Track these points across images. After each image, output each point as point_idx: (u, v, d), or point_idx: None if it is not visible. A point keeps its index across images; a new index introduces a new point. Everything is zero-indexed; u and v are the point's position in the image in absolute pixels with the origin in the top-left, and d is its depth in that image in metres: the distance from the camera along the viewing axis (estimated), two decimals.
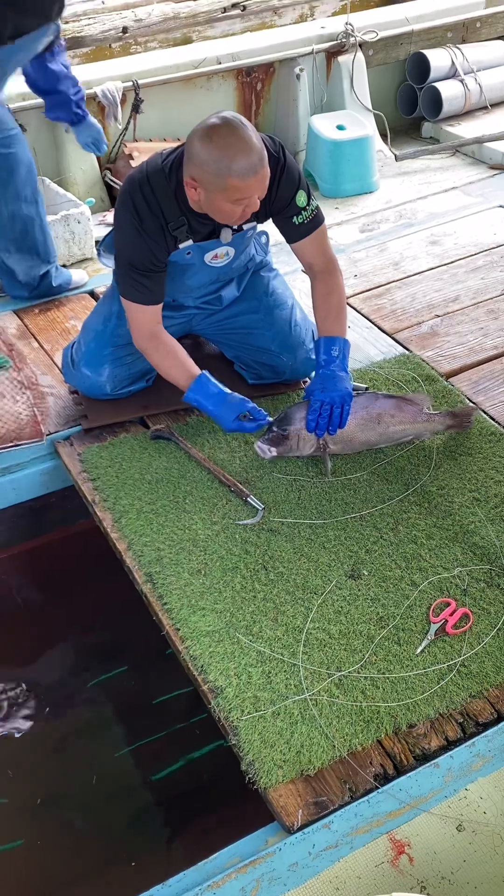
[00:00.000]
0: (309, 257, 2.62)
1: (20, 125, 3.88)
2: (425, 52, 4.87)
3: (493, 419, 2.80)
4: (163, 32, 5.31)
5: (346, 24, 4.61)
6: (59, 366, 3.06)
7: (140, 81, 4.17)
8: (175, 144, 2.44)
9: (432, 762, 1.89)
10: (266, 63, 4.55)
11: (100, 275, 3.68)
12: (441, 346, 3.15)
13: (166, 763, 2.49)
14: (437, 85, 4.84)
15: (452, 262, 3.68)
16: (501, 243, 3.79)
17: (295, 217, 2.51)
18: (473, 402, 2.87)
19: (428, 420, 2.67)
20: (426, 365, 3.03)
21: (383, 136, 4.76)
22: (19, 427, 2.81)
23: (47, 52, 3.05)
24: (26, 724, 2.62)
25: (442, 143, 4.81)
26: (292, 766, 1.87)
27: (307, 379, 2.93)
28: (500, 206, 4.13)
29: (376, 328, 3.28)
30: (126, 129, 4.26)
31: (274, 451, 2.58)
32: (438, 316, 3.32)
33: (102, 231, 3.91)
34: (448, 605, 2.20)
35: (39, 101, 3.93)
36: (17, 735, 2.60)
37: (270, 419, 2.59)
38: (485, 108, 5.02)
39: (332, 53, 4.66)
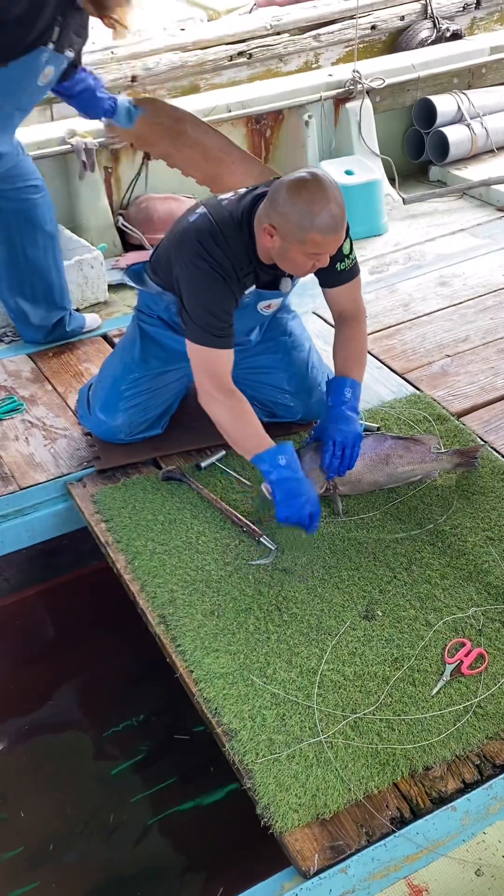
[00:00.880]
0: (341, 303, 2.65)
1: None
2: (432, 97, 4.95)
3: None
4: (171, 81, 5.43)
5: (354, 71, 4.69)
6: (73, 408, 3.08)
7: None
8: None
9: (449, 805, 1.87)
10: (275, 110, 4.63)
11: (113, 318, 3.73)
12: (452, 386, 3.17)
13: (180, 807, 2.46)
14: (444, 129, 4.91)
15: (462, 303, 3.70)
16: None
17: (339, 263, 2.54)
18: (485, 441, 2.88)
19: (436, 460, 2.68)
20: (437, 404, 3.04)
21: (391, 180, 4.82)
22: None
23: (64, 81, 3.06)
24: (39, 767, 2.61)
25: (449, 186, 4.86)
26: (308, 810, 1.85)
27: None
28: None
29: (387, 368, 3.30)
30: (138, 175, 4.33)
31: None
32: (448, 356, 3.34)
33: (115, 275, 3.96)
34: (463, 645, 2.19)
35: (55, 148, 4.04)
36: (26, 776, 2.58)
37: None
38: (491, 151, 5.08)
39: (340, 100, 4.75)
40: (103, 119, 3.37)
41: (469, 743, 1.98)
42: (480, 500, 2.63)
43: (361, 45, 5.85)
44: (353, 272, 2.60)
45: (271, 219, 2.30)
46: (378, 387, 3.18)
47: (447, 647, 2.18)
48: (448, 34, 6.07)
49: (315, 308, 3.57)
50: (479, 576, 2.39)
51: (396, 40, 6.17)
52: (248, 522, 2.55)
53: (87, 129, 4.14)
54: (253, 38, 5.71)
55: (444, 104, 4.94)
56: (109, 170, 4.31)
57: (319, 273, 2.59)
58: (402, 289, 3.86)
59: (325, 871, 1.77)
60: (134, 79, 5.25)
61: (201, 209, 2.45)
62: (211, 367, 2.47)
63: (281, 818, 1.84)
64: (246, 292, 2.50)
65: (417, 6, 6.19)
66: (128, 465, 2.83)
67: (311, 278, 2.59)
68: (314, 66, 5.86)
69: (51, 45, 2.79)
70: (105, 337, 3.57)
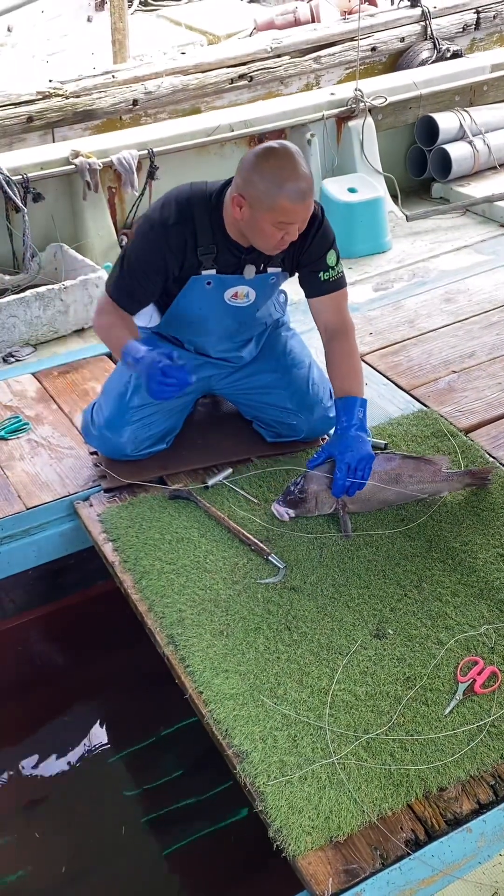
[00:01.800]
0: (326, 315, 2.64)
1: (38, 193, 4.00)
2: (434, 115, 4.98)
3: None
4: (172, 104, 5.46)
5: (356, 90, 4.72)
6: (78, 427, 3.07)
7: (155, 149, 4.27)
8: None
9: (465, 827, 1.84)
10: (278, 129, 4.65)
11: (99, 297, 3.71)
12: (459, 402, 3.15)
13: (192, 831, 2.43)
14: (446, 147, 4.93)
15: (467, 319, 3.70)
16: None
17: (322, 273, 2.56)
18: (493, 457, 2.86)
19: (446, 479, 2.66)
20: (444, 420, 3.03)
21: (394, 197, 4.83)
22: None
23: None
24: (47, 792, 2.58)
25: (452, 203, 4.88)
26: (321, 833, 1.82)
27: (325, 436, 2.93)
28: None
29: (393, 385, 3.29)
30: (142, 195, 4.35)
31: (292, 514, 2.58)
32: (455, 372, 3.33)
33: None
34: (476, 663, 2.16)
35: (59, 168, 4.07)
36: (35, 799, 2.55)
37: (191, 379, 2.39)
38: (493, 167, 5.11)
39: (343, 118, 4.77)
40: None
41: (483, 763, 1.95)
42: (491, 517, 2.61)
43: (362, 67, 5.89)
44: (337, 284, 2.61)
45: (239, 188, 2.32)
46: (385, 403, 3.17)
47: (459, 666, 2.16)
48: (448, 55, 6.11)
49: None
50: (491, 593, 2.36)
51: (397, 62, 6.21)
52: (256, 541, 2.53)
53: (90, 150, 4.17)
54: (254, 61, 5.75)
55: (446, 121, 4.97)
56: (113, 189, 4.32)
57: (303, 282, 2.62)
58: (408, 305, 3.85)
59: None
60: (135, 102, 5.29)
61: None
62: (102, 308, 2.56)
63: (294, 841, 1.81)
64: (204, 273, 2.50)
65: (417, 27, 6.24)
66: (134, 484, 2.81)
67: None
68: (315, 87, 5.90)
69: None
70: (110, 356, 3.56)
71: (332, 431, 2.73)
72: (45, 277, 3.97)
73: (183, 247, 2.45)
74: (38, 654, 3.02)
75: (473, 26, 6.53)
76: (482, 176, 5.07)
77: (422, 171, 5.14)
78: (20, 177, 3.96)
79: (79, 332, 3.81)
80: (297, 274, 2.65)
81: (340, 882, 1.76)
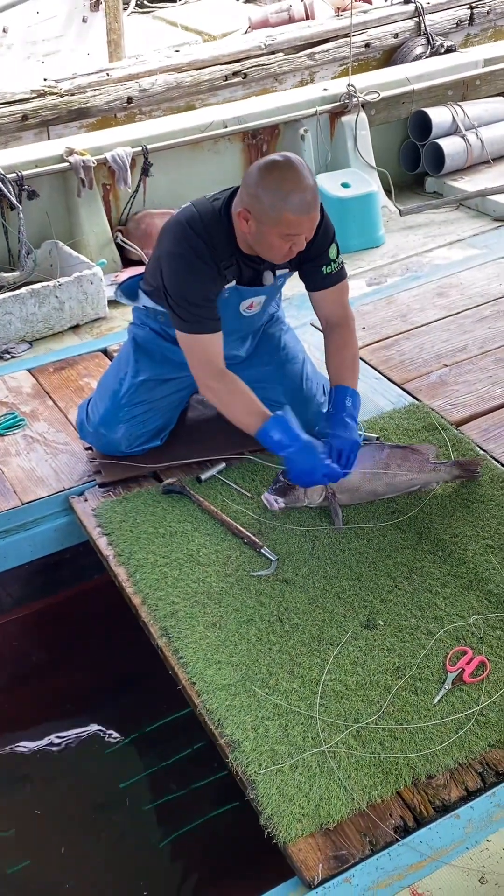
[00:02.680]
0: (328, 308, 2.67)
1: (32, 190, 4.01)
2: (427, 109, 4.98)
3: None
4: (166, 101, 5.48)
5: (349, 85, 4.73)
6: (74, 423, 3.10)
7: (149, 146, 4.28)
8: None
9: (453, 813, 1.87)
10: (271, 125, 4.67)
11: (114, 333, 3.75)
12: (450, 395, 3.18)
13: (184, 821, 2.46)
14: (440, 141, 4.94)
15: (459, 313, 3.72)
16: None
17: (324, 267, 2.57)
18: (484, 450, 2.88)
19: (434, 470, 2.69)
20: (436, 414, 3.05)
21: (387, 192, 4.85)
22: None
23: None
24: (44, 784, 2.61)
25: (445, 198, 4.89)
26: (311, 820, 1.85)
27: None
28: None
29: (385, 379, 3.31)
30: (136, 192, 4.37)
31: (281, 503, 2.59)
32: (447, 365, 3.35)
33: (114, 290, 3.98)
34: (465, 653, 2.19)
35: (54, 166, 4.08)
36: (31, 793, 2.58)
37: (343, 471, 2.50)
38: (487, 162, 5.11)
39: (336, 114, 4.78)
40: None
41: (472, 751, 1.98)
42: (480, 509, 2.64)
43: (356, 63, 5.90)
44: (338, 276, 2.62)
45: (245, 203, 2.34)
46: (377, 397, 3.19)
47: (449, 656, 2.18)
48: (442, 50, 6.12)
49: (313, 320, 3.55)
50: (480, 584, 2.39)
51: (391, 58, 6.22)
52: (248, 534, 2.55)
53: (84, 147, 4.19)
54: (248, 58, 5.76)
55: (439, 116, 4.98)
56: (108, 186, 4.34)
57: (305, 277, 2.63)
58: (400, 299, 3.87)
59: (330, 881, 1.76)
60: (129, 100, 5.30)
61: (188, 203, 2.50)
62: (202, 354, 2.52)
63: (284, 828, 1.84)
64: (226, 287, 2.52)
65: (411, 23, 6.25)
66: (129, 478, 2.84)
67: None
68: (309, 84, 5.90)
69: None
70: (105, 352, 3.59)
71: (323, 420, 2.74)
72: (40, 274, 3.99)
73: (217, 268, 2.45)
74: (33, 648, 3.04)
75: (467, 22, 6.53)
76: (475, 170, 5.07)
77: (415, 165, 5.15)
78: (15, 174, 3.97)
79: (74, 328, 3.83)
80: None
81: (330, 868, 1.79)
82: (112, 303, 3.94)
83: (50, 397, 3.33)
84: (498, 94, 5.35)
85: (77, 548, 2.87)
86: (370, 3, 6.95)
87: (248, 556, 2.50)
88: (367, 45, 6.08)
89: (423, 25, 6.18)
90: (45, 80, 5.31)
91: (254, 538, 2.54)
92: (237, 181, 2.50)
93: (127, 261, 4.35)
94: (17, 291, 3.69)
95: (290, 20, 6.69)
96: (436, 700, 2.08)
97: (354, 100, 4.74)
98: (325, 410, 2.80)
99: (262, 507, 2.65)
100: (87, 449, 2.98)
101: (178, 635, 2.27)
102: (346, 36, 5.76)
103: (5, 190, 3.94)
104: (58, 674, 2.96)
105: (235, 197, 2.41)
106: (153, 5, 9.15)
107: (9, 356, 3.63)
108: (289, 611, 2.33)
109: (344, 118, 4.77)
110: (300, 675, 2.15)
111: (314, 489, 2.59)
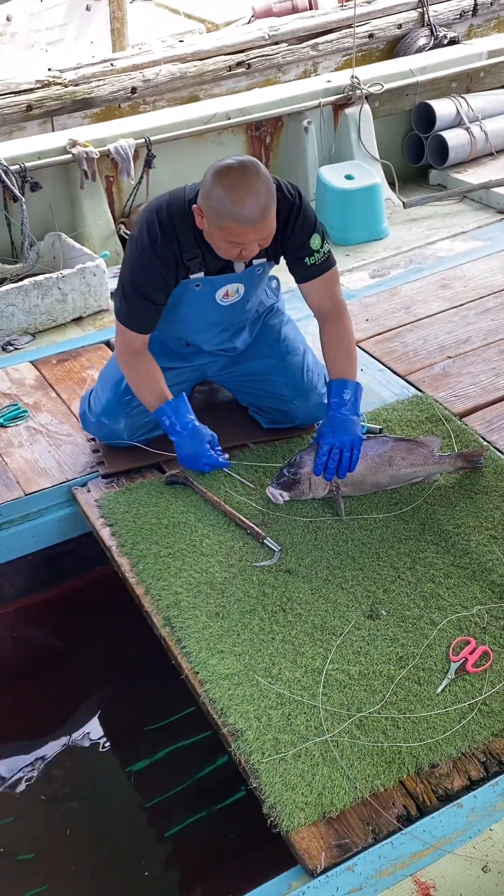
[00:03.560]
0: (317, 299, 2.65)
1: (36, 182, 4.01)
2: (431, 102, 4.97)
3: None
4: (170, 92, 5.47)
5: (352, 77, 4.72)
6: (76, 415, 3.10)
7: (152, 138, 4.28)
8: None
9: (455, 802, 1.87)
10: (274, 117, 4.66)
11: (115, 325, 3.73)
12: (454, 387, 3.17)
13: (188, 810, 2.46)
14: (443, 133, 4.92)
15: (463, 305, 3.71)
16: None
17: (307, 258, 2.56)
18: (488, 441, 2.88)
19: (438, 462, 2.68)
20: (439, 405, 3.05)
21: (391, 184, 4.84)
22: None
23: None
24: (46, 775, 2.61)
25: (449, 190, 4.88)
26: (314, 809, 1.85)
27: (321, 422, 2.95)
28: None
29: (389, 371, 3.31)
30: (139, 184, 4.36)
31: (286, 496, 2.60)
32: (450, 357, 3.35)
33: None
34: (468, 643, 2.19)
35: (57, 158, 4.08)
36: (33, 784, 2.59)
37: (232, 472, 2.70)
38: (490, 154, 5.10)
39: (339, 106, 4.77)
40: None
41: (475, 740, 1.98)
42: (484, 500, 2.64)
43: (359, 54, 5.89)
44: (325, 266, 2.60)
45: (199, 200, 2.34)
46: (380, 389, 3.19)
47: (452, 646, 2.18)
48: (445, 41, 6.10)
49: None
50: (483, 574, 2.39)
51: (394, 48, 6.21)
52: (252, 525, 2.55)
53: (87, 139, 4.18)
54: (251, 49, 5.75)
55: (443, 108, 4.97)
56: (111, 178, 4.33)
57: (291, 269, 2.63)
58: (404, 291, 3.87)
59: (332, 870, 1.77)
60: (134, 90, 5.30)
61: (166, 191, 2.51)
62: (123, 339, 2.63)
63: (287, 817, 1.84)
64: (192, 277, 2.52)
65: (415, 14, 6.23)
66: (132, 469, 2.84)
67: None
68: (313, 74, 5.90)
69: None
70: (108, 344, 3.58)
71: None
72: (43, 266, 3.99)
73: (174, 260, 2.47)
74: (37, 639, 3.05)
75: (471, 12, 6.51)
76: (479, 162, 5.06)
77: (419, 157, 5.13)
78: (18, 166, 3.96)
79: (77, 320, 3.83)
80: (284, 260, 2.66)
81: (333, 856, 1.79)
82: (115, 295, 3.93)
83: (53, 389, 3.33)
84: (502, 87, 5.33)
85: (80, 538, 2.87)
86: None
87: (252, 547, 2.51)
88: (370, 36, 6.06)
89: (426, 16, 6.17)
90: (49, 69, 5.31)
91: (257, 529, 2.54)
92: None
93: None
94: (20, 283, 3.68)
95: (294, 10, 6.67)
96: (439, 690, 2.09)
97: (358, 92, 4.73)
98: (326, 401, 2.80)
99: (265, 498, 2.65)
100: (90, 440, 2.98)
101: (181, 625, 2.27)
102: (349, 26, 5.75)
103: (8, 182, 3.93)
104: (61, 664, 2.97)
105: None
106: None
107: (12, 348, 3.63)
108: (292, 601, 2.33)
109: (347, 110, 4.76)
110: (303, 664, 2.15)
111: (318, 483, 2.59)
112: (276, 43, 5.81)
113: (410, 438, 2.73)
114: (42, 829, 2.47)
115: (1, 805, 2.53)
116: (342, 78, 4.81)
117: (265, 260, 2.61)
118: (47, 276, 3.70)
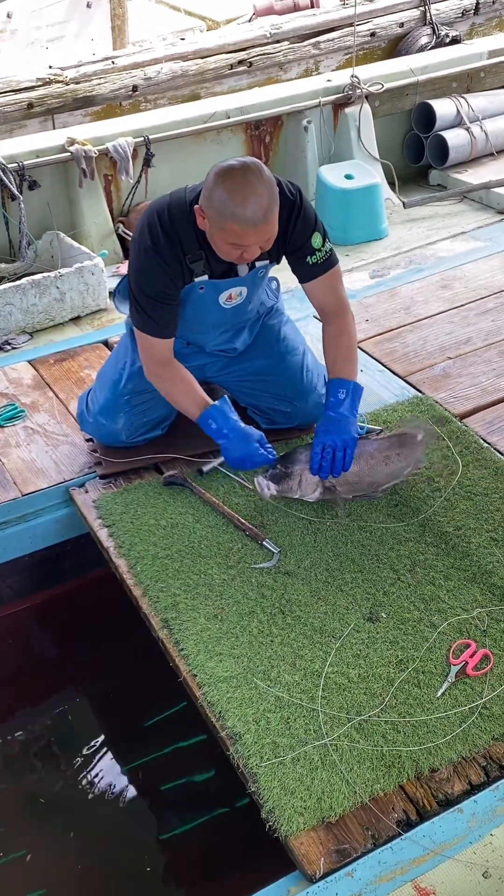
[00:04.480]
0: (320, 297, 2.64)
1: (34, 180, 3.99)
2: (431, 101, 4.95)
3: None
4: (172, 90, 5.46)
5: (352, 76, 4.70)
6: (74, 414, 3.08)
7: (151, 136, 4.26)
8: None
9: (456, 807, 1.86)
10: (274, 116, 4.64)
11: (114, 324, 3.72)
12: (454, 388, 3.16)
13: (185, 814, 2.45)
14: (444, 133, 4.91)
15: (463, 306, 3.70)
16: None
17: (309, 257, 2.54)
18: (488, 442, 2.87)
19: (418, 444, 2.66)
20: (439, 406, 3.03)
21: (391, 184, 4.82)
22: None
23: None
24: (41, 779, 2.60)
25: (449, 190, 4.86)
26: (313, 814, 1.84)
27: None
28: None
29: (389, 371, 3.29)
30: (138, 183, 4.34)
31: (274, 489, 2.56)
32: (450, 358, 3.33)
33: (116, 282, 3.96)
34: (468, 646, 2.17)
35: (55, 156, 4.06)
36: (30, 785, 2.57)
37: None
38: (491, 154, 5.08)
39: (339, 105, 4.75)
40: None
41: (475, 744, 1.97)
42: (484, 502, 2.62)
43: (361, 53, 5.87)
44: (327, 265, 2.58)
45: (201, 201, 2.32)
46: (380, 390, 3.17)
47: (452, 649, 2.17)
48: (447, 40, 6.09)
49: (315, 312, 3.56)
50: (484, 577, 2.37)
51: (396, 47, 6.19)
52: (250, 526, 2.54)
53: (86, 137, 4.16)
54: (253, 47, 5.75)
55: (444, 108, 4.95)
56: (109, 177, 4.31)
57: (293, 269, 2.61)
58: (404, 292, 3.85)
59: (332, 875, 1.75)
60: (135, 88, 5.28)
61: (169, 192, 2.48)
62: (148, 349, 2.57)
63: (286, 822, 1.82)
64: (196, 280, 2.50)
65: (416, 13, 6.22)
66: (129, 470, 2.82)
67: None
68: (314, 73, 5.88)
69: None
70: (106, 343, 3.57)
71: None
72: (41, 265, 3.97)
73: (178, 261, 2.45)
74: (34, 641, 3.03)
75: (472, 11, 6.50)
76: (479, 163, 5.04)
77: (419, 157, 5.12)
78: (16, 164, 3.94)
79: (75, 319, 3.81)
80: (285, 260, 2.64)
81: (332, 862, 1.77)
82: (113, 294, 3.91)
83: (50, 388, 3.31)
84: (502, 86, 5.32)
85: (77, 539, 2.86)
86: None
87: (250, 549, 2.49)
88: (372, 35, 6.05)
89: (428, 15, 6.16)
90: (50, 67, 5.29)
91: (256, 531, 2.52)
92: None
93: (128, 252, 4.32)
94: (17, 282, 3.66)
95: (296, 8, 6.65)
96: (439, 693, 2.07)
97: (358, 91, 4.71)
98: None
99: (264, 500, 2.63)
100: (87, 440, 2.97)
101: (179, 627, 2.25)
102: (350, 25, 5.73)
103: (6, 180, 3.91)
104: (58, 666, 2.95)
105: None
106: None
107: (9, 347, 3.61)
108: (291, 603, 2.31)
109: (347, 109, 4.74)
110: (302, 667, 2.14)
111: (309, 482, 2.57)
112: (278, 41, 5.80)
113: (398, 432, 2.70)
114: (39, 832, 2.46)
115: None
116: (342, 77, 4.79)
117: (267, 261, 2.59)
118: (45, 275, 3.68)
